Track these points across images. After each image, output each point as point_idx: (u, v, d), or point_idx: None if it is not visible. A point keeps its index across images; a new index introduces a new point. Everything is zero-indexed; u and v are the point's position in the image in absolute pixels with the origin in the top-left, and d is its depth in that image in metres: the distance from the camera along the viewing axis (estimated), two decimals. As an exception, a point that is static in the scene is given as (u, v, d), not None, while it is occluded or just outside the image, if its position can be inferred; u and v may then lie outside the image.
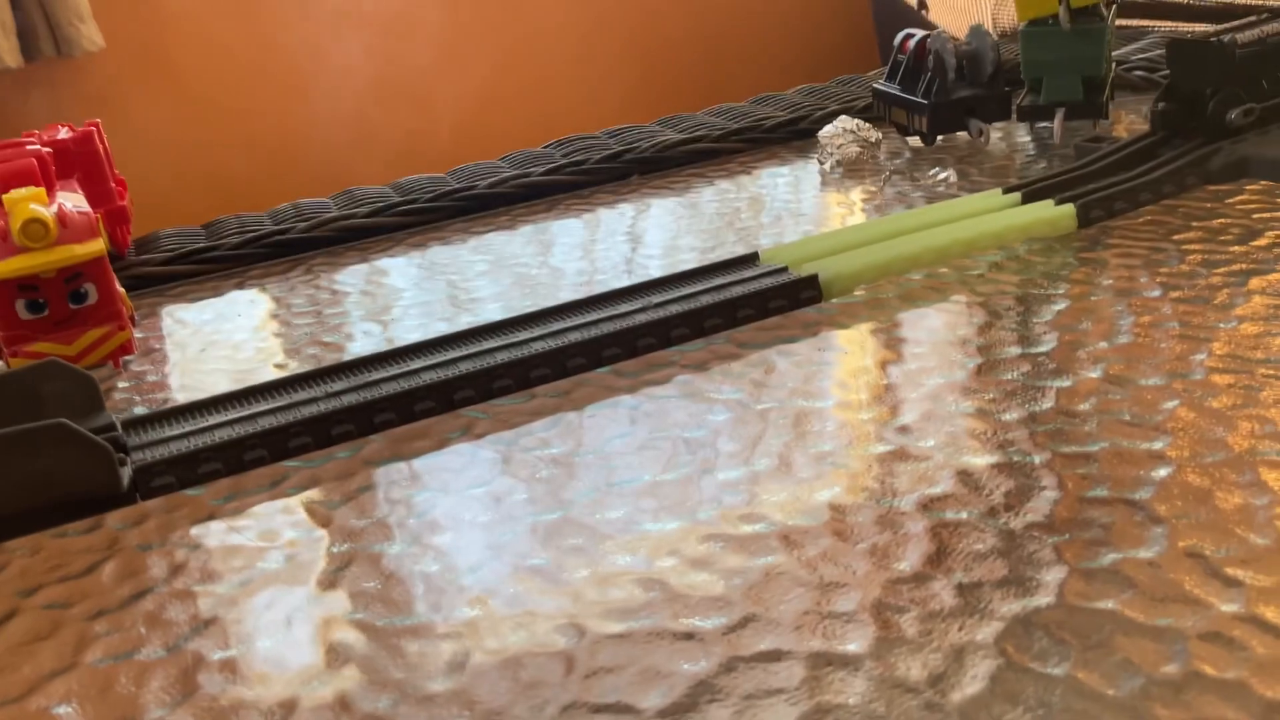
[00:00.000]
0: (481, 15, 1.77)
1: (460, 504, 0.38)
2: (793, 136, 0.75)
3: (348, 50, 1.71)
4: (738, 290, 0.49)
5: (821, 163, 0.70)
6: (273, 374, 0.50)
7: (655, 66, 1.88)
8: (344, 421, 0.43)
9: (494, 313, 0.55)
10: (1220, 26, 0.59)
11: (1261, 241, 0.50)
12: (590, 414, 0.43)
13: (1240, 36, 0.57)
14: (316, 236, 0.67)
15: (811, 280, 0.49)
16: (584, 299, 0.49)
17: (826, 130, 0.70)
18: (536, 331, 0.47)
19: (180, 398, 0.50)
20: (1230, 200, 0.55)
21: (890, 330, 0.48)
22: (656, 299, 0.49)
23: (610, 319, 0.47)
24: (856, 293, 0.50)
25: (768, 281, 0.49)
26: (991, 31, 0.69)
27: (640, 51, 1.86)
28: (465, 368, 0.45)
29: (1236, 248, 0.50)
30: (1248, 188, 0.55)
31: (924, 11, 1.56)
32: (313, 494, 0.40)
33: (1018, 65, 0.68)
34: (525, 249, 0.63)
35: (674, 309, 0.48)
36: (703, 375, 0.45)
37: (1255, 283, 0.46)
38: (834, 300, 0.50)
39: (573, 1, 1.81)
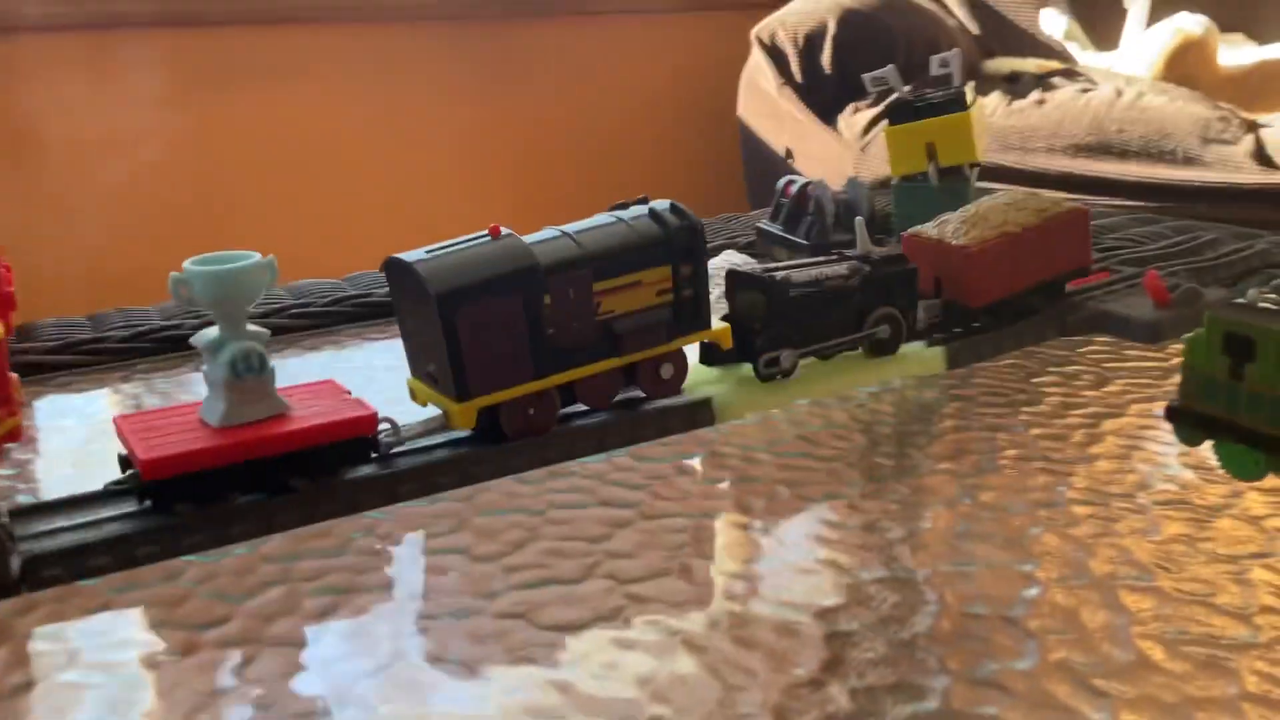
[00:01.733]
0: (369, 123, 1.79)
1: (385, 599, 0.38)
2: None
3: (239, 147, 1.71)
4: (637, 410, 0.51)
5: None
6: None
7: (535, 186, 1.93)
8: (240, 521, 0.43)
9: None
10: (779, 264, 0.55)
11: (1113, 388, 0.55)
12: (490, 518, 0.44)
13: (795, 275, 0.53)
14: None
15: (705, 403, 0.52)
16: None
17: (714, 263, 0.74)
18: (436, 440, 0.48)
19: (64, 490, 0.49)
20: (1083, 350, 0.60)
21: (780, 453, 0.50)
22: (558, 412, 0.50)
23: (513, 429, 0.49)
24: (747, 416, 0.53)
25: (665, 402, 0.52)
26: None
27: (521, 170, 1.91)
28: (368, 473, 0.45)
29: (1090, 392, 0.54)
30: (1097, 340, 0.61)
31: (790, 160, 1.66)
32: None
33: (889, 215, 0.73)
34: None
35: (579, 423, 0.49)
36: (606, 486, 0.46)
37: (1108, 424, 0.51)
38: (726, 422, 0.52)
39: (456, 119, 1.85)
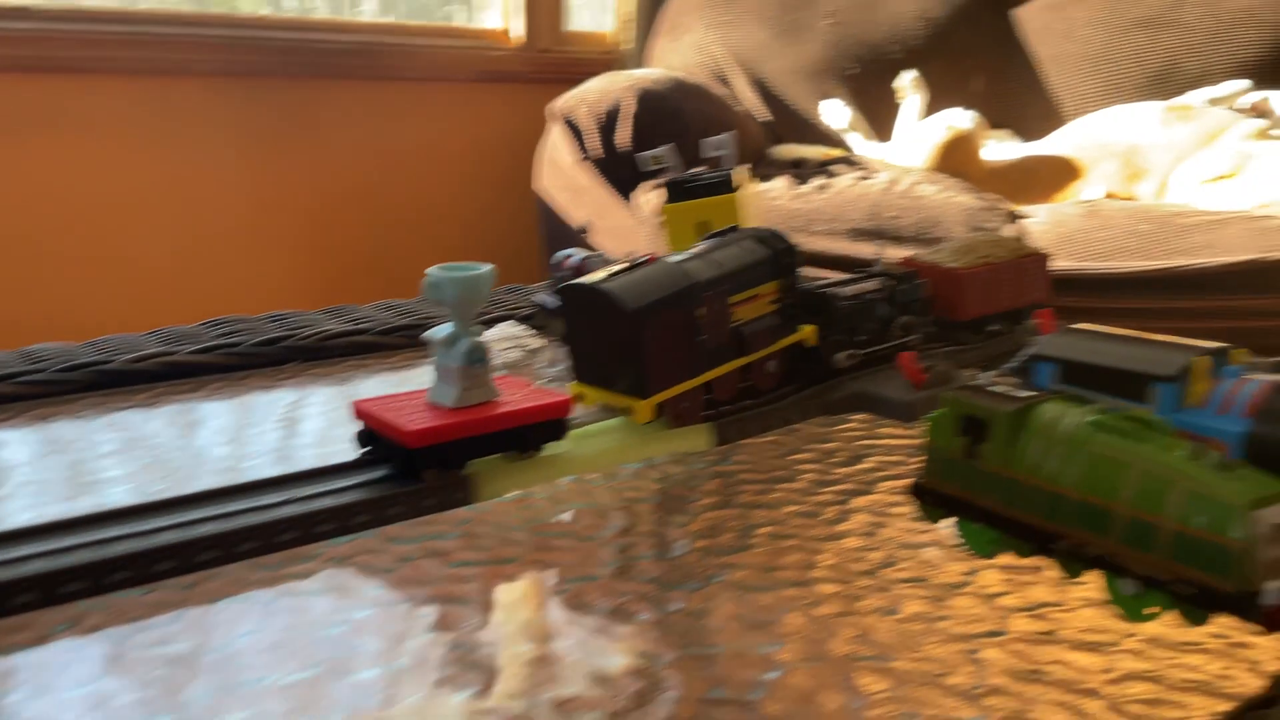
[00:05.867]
0: (152, 183, 1.70)
1: (58, 706, 0.35)
2: (456, 338, 0.76)
3: (8, 200, 1.59)
4: (390, 487, 0.48)
5: (483, 365, 0.72)
6: None
7: (327, 248, 1.87)
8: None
9: (122, 496, 0.51)
10: (826, 280, 0.66)
11: (866, 465, 0.56)
12: (219, 609, 0.41)
13: (840, 291, 0.64)
14: (-81, 402, 0.60)
15: (464, 481, 0.50)
16: (223, 488, 0.47)
17: (490, 334, 0.72)
18: (166, 520, 0.44)
19: None
20: (840, 428, 0.61)
21: (537, 532, 0.49)
22: (304, 491, 0.48)
23: (252, 510, 0.46)
24: (508, 494, 0.51)
25: (421, 480, 0.49)
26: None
27: (312, 231, 1.85)
28: (78, 558, 0.41)
29: (844, 469, 0.55)
30: (854, 418, 0.62)
31: (586, 234, 1.67)
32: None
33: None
34: (165, 430, 0.60)
35: (321, 503, 0.47)
36: (347, 570, 0.44)
37: (859, 501, 0.51)
38: (487, 500, 0.50)
39: (246, 179, 1.78)
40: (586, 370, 0.56)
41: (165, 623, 0.40)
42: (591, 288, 0.53)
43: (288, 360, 0.70)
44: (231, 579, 0.43)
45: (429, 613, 0.41)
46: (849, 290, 0.64)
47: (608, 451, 0.55)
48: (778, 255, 0.60)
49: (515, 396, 0.51)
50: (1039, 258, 0.77)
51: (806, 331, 0.61)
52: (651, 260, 0.56)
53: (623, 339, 0.53)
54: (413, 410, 0.49)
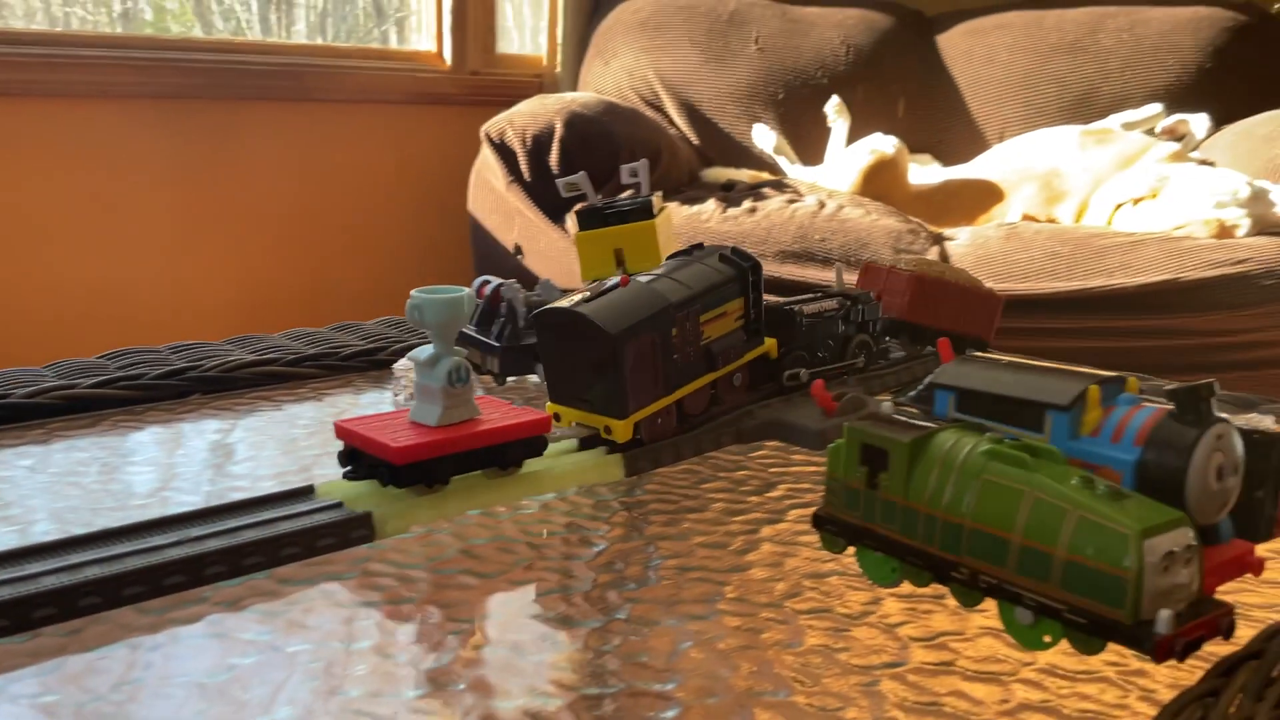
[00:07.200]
0: (74, 207, 1.66)
1: (-85, 768, 0.33)
2: (369, 366, 0.75)
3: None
4: (285, 526, 0.47)
5: (395, 395, 0.71)
6: None
7: (255, 272, 1.84)
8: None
9: (7, 539, 0.49)
10: (789, 299, 0.68)
11: (775, 493, 0.56)
12: (99, 656, 0.39)
13: (805, 309, 0.67)
14: None
15: (365, 518, 0.49)
16: (108, 530, 0.46)
17: (401, 363, 0.71)
18: (47, 565, 0.42)
19: None
20: (753, 455, 0.61)
21: (437, 570, 0.48)
22: (195, 532, 0.46)
23: (138, 553, 0.44)
24: (412, 529, 0.50)
25: (319, 518, 0.48)
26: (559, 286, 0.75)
27: (240, 255, 1.82)
28: (-45, 604, 0.40)
29: (754, 498, 0.55)
30: (767, 444, 0.62)
31: (519, 256, 1.66)
32: None
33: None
34: (59, 468, 0.58)
35: (211, 544, 0.45)
36: (235, 615, 0.42)
37: (766, 530, 0.51)
38: (388, 538, 0.49)
39: (172, 202, 1.75)
40: (562, 391, 0.58)
41: (44, 671, 0.38)
42: (570, 311, 0.55)
43: (191, 392, 0.68)
44: (116, 624, 0.41)
45: (317, 660, 0.40)
46: (810, 308, 0.67)
47: (516, 484, 0.54)
48: (745, 273, 0.62)
49: (495, 415, 0.53)
50: (994, 296, 0.78)
51: (769, 344, 0.64)
52: (625, 283, 0.57)
53: (602, 361, 0.55)
54: (397, 428, 0.50)
